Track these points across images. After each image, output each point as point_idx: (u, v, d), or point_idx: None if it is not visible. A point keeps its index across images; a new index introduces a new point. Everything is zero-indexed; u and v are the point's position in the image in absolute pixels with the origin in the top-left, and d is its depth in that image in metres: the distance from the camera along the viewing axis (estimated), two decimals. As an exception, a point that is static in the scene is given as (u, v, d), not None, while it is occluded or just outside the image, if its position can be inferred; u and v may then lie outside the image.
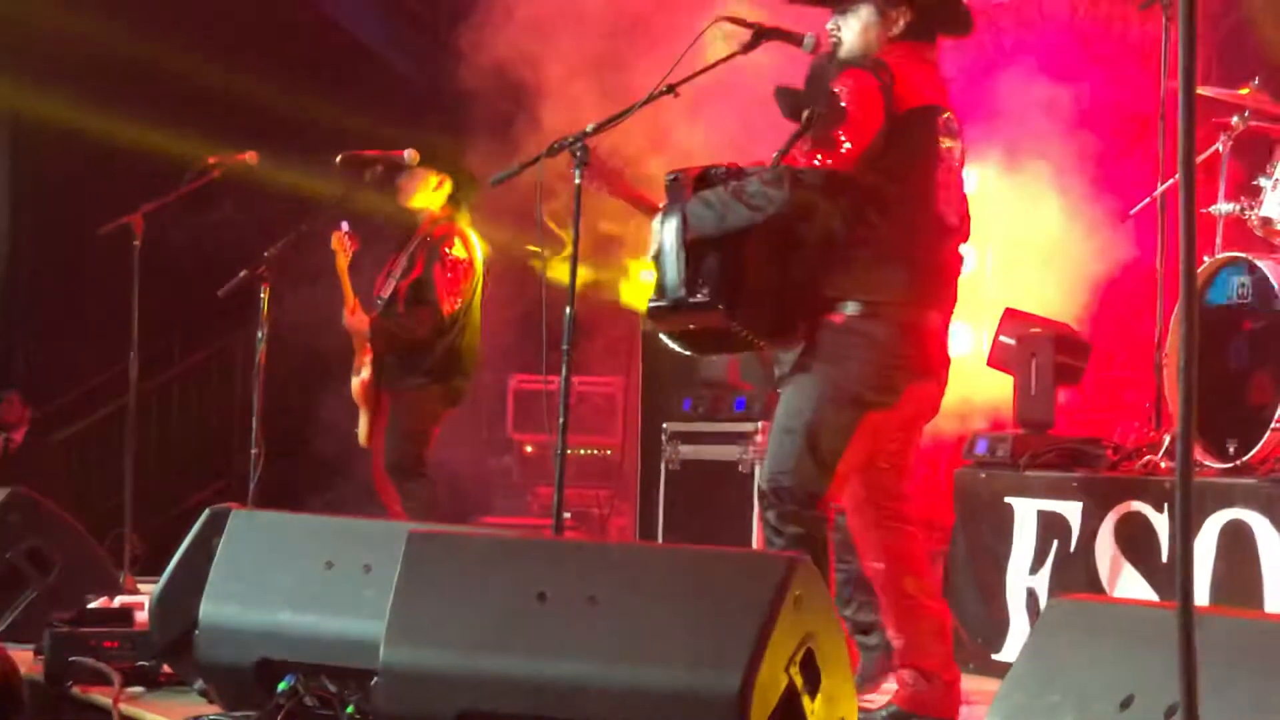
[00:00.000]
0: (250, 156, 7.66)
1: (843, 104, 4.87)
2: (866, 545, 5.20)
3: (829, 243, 4.94)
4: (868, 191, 4.96)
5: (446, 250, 7.37)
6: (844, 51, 5.06)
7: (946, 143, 5.11)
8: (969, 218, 5.32)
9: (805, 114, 4.92)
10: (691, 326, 5.23)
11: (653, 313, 5.21)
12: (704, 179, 4.99)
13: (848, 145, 4.85)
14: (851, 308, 4.93)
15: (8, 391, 11.57)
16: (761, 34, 5.09)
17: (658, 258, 5.05)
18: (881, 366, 4.98)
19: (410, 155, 7.27)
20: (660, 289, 5.01)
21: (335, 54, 11.14)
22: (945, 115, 5.11)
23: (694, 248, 4.89)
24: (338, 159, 7.19)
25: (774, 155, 4.92)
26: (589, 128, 5.39)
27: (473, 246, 7.48)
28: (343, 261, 7.29)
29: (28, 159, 11.72)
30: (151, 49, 10.18)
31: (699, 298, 4.96)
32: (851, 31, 5.06)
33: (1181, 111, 2.41)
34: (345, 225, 7.26)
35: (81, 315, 9.23)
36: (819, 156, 4.83)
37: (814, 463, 4.95)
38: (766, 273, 5.02)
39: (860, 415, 4.96)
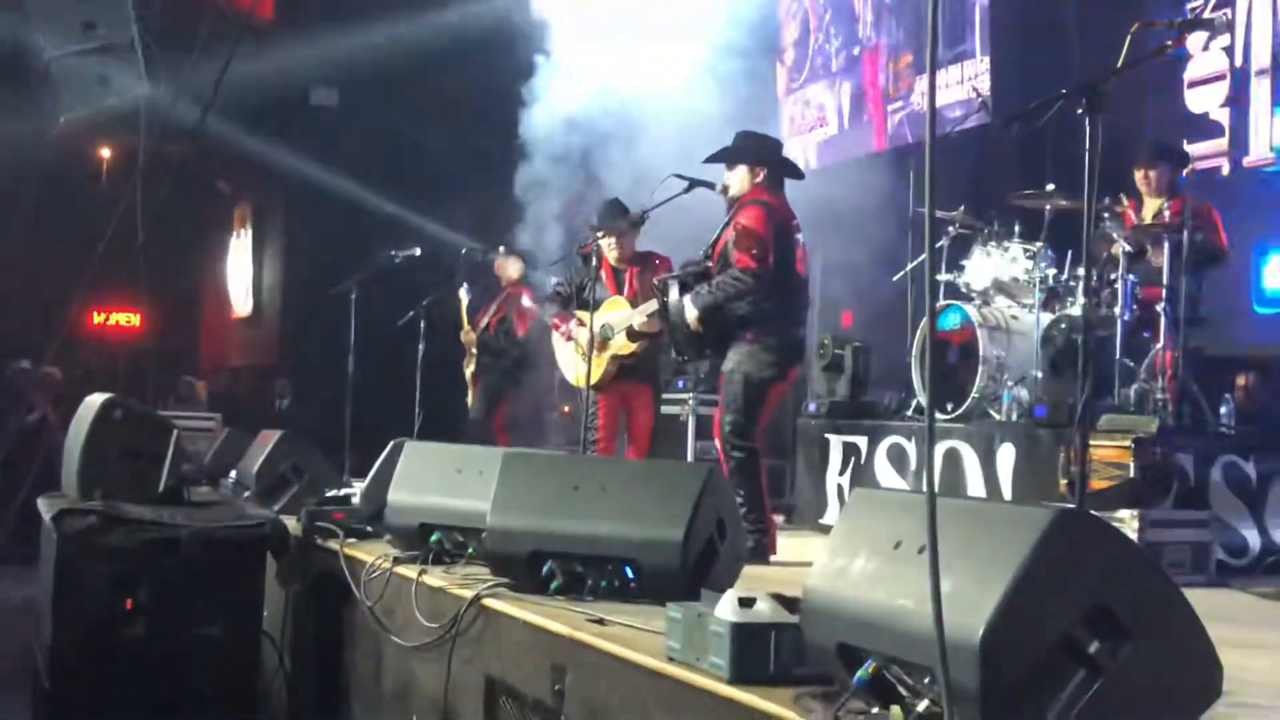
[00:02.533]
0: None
1: (753, 229, 6.72)
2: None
3: (750, 299, 6.71)
4: (770, 271, 6.72)
5: (522, 303, 9.87)
6: (733, 191, 6.98)
7: (798, 236, 6.93)
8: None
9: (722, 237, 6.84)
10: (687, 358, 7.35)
11: (677, 360, 7.38)
12: (685, 281, 6.96)
13: (761, 253, 6.68)
14: (759, 330, 6.76)
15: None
16: (694, 184, 7.06)
17: (673, 333, 7.05)
18: (778, 360, 6.78)
19: (501, 250, 10.08)
20: (680, 351, 7.16)
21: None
22: (794, 220, 6.95)
23: (686, 327, 6.88)
24: (462, 252, 10.08)
25: (704, 251, 7.00)
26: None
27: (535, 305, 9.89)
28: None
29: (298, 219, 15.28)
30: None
31: (708, 354, 7.09)
32: (735, 180, 6.95)
33: (927, 228, 2.75)
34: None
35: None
36: (746, 265, 6.67)
37: (747, 416, 6.75)
38: (725, 328, 6.88)
39: (769, 387, 6.81)
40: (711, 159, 7.09)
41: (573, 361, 8.12)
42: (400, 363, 9.84)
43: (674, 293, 6.92)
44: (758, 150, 7.11)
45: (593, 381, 7.92)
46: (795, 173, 7.30)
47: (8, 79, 16.74)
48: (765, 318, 6.80)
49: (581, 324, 7.98)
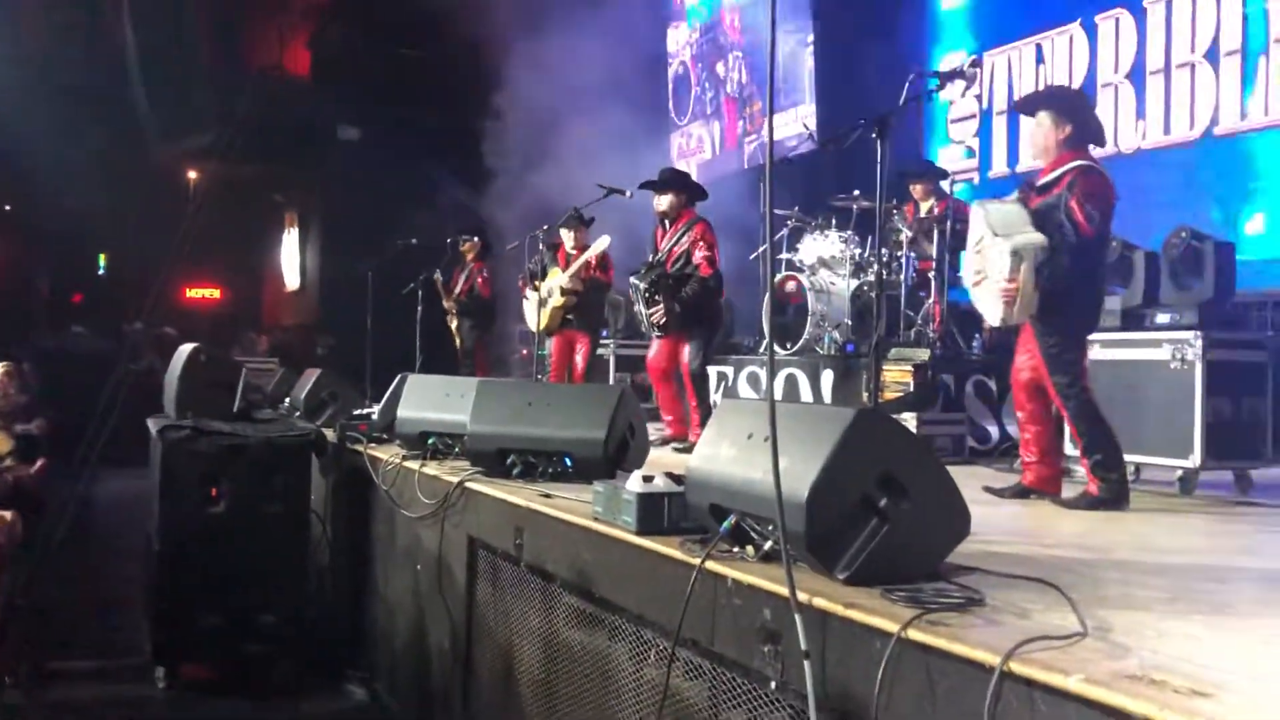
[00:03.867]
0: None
1: (709, 243, 6.56)
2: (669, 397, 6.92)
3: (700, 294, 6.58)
4: (718, 274, 6.70)
5: (482, 276, 9.74)
6: (665, 209, 6.69)
7: (717, 248, 6.73)
8: None
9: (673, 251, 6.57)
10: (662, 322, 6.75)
11: (658, 330, 6.83)
12: (673, 282, 6.62)
13: (716, 261, 6.60)
14: (713, 304, 6.74)
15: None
16: (611, 191, 7.07)
17: (668, 314, 6.64)
18: (714, 325, 6.89)
19: (475, 240, 9.73)
20: (666, 327, 6.73)
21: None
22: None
23: (675, 312, 6.60)
24: (448, 241, 9.64)
25: (656, 259, 6.70)
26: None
27: (491, 274, 9.84)
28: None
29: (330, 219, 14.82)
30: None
31: (680, 323, 6.69)
32: (666, 202, 6.71)
33: (767, 223, 2.60)
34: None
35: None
36: (707, 272, 6.55)
37: (701, 360, 6.74)
38: (701, 306, 6.72)
39: (709, 343, 6.88)
40: (646, 185, 6.81)
41: (533, 314, 8.06)
42: (405, 319, 9.51)
43: (665, 295, 6.68)
44: (685, 182, 6.89)
45: (543, 327, 7.94)
46: (705, 196, 7.04)
47: (119, 123, 16.32)
48: (707, 306, 6.75)
49: (536, 290, 7.92)
